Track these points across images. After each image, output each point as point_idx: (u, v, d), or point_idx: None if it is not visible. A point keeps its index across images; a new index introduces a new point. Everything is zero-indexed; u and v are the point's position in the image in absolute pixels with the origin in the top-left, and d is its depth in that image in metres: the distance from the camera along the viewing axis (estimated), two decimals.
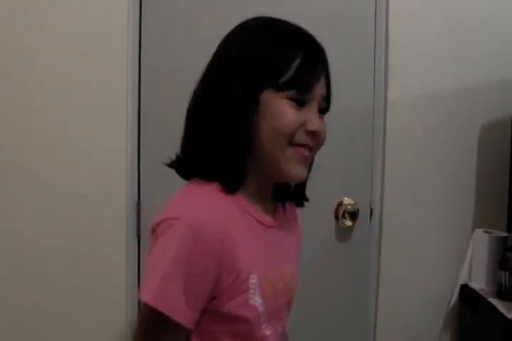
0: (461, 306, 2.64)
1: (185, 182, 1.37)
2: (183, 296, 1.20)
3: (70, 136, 2.48)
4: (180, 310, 1.21)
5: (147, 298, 1.21)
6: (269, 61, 1.28)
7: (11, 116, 2.47)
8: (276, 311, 1.37)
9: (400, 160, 2.66)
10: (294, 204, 1.52)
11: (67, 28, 2.46)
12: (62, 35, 2.47)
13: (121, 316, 2.52)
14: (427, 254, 2.70)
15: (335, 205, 2.64)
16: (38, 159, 2.48)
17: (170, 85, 2.52)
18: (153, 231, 1.27)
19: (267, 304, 1.30)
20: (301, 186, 1.47)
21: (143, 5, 2.53)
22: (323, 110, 1.36)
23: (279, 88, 1.28)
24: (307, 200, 1.50)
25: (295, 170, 1.32)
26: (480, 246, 2.57)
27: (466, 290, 2.59)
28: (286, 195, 1.48)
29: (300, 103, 1.30)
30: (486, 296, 2.43)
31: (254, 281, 1.27)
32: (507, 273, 2.39)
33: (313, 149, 1.35)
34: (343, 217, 2.62)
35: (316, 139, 1.33)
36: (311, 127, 1.31)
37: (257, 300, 1.28)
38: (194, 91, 1.37)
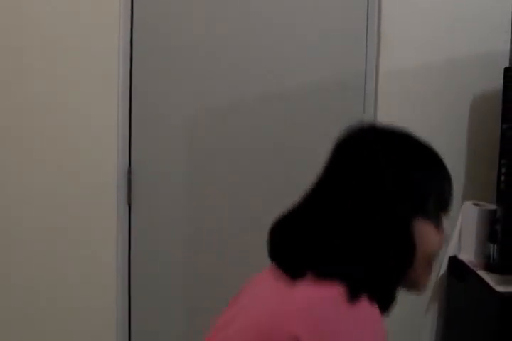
0: (449, 278, 2.65)
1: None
2: None
3: (58, 102, 2.46)
4: None
5: None
6: (425, 187, 1.27)
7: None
8: None
9: None
10: None
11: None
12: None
13: (112, 280, 2.55)
14: None
15: None
16: (27, 124, 2.46)
17: (162, 46, 2.52)
18: None
19: None
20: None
21: None
22: None
23: (430, 214, 1.28)
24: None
25: (428, 283, 1.34)
26: (469, 219, 2.57)
27: (454, 262, 2.60)
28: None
29: (440, 223, 1.30)
30: (474, 268, 2.44)
31: None
32: (495, 245, 2.39)
33: None
34: None
35: None
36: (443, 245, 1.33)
37: None
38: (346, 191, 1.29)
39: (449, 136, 2.68)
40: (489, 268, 2.41)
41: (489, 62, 2.64)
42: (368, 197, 1.26)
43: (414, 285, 1.33)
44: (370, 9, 2.59)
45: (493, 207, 2.52)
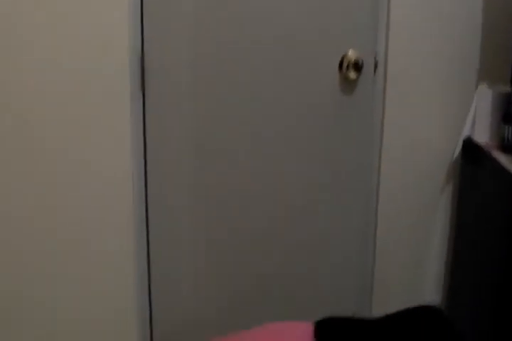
0: (463, 159, 2.70)
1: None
2: None
3: None
4: None
5: None
6: None
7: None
8: None
9: (404, 12, 2.62)
10: None
11: None
12: None
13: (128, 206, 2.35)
14: (431, 111, 2.74)
15: (339, 58, 2.60)
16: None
17: None
18: None
19: None
20: None
21: None
22: None
23: None
24: None
25: None
26: (484, 101, 2.59)
27: (469, 144, 2.63)
28: None
29: None
30: (489, 149, 2.47)
31: None
32: (510, 127, 2.42)
33: None
34: (347, 69, 2.59)
35: None
36: None
37: None
38: None
39: (465, 15, 2.65)
40: (503, 149, 2.46)
41: None
42: None
43: None
44: None
45: (508, 89, 2.53)
